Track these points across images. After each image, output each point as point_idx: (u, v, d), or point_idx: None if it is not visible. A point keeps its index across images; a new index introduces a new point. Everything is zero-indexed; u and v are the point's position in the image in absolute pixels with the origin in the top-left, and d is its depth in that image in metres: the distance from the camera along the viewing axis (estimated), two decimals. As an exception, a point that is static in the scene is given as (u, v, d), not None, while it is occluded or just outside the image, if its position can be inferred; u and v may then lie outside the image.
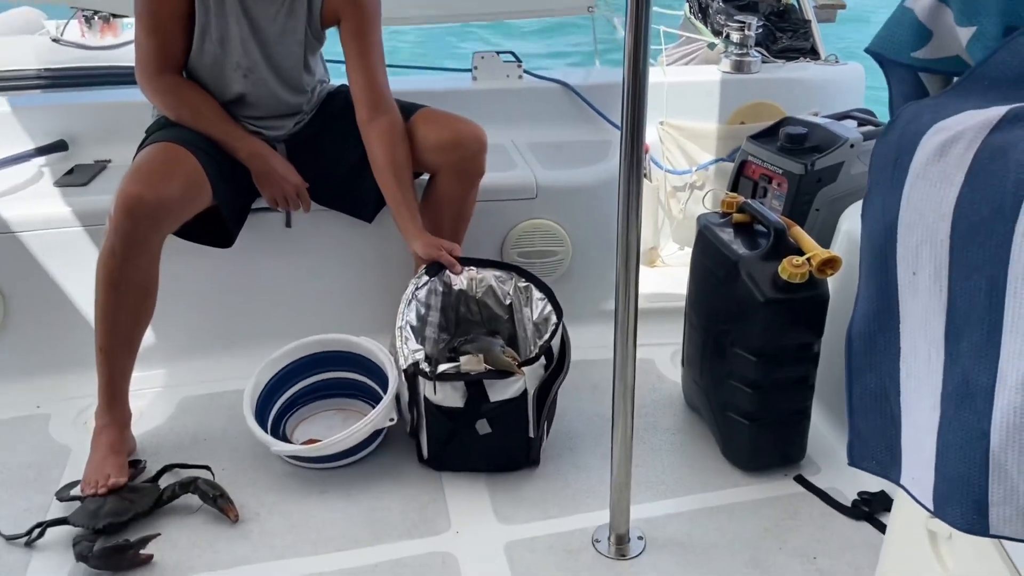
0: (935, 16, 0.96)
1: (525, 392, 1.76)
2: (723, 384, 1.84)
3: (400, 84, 2.31)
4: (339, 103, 2.21)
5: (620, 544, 1.67)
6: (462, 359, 1.75)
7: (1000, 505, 0.85)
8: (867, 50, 1.03)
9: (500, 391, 1.74)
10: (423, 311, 2.01)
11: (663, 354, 2.33)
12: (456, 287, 2.06)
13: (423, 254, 2.03)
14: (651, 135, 2.75)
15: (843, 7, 3.37)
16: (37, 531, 1.69)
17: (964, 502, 0.88)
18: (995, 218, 0.80)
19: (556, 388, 1.82)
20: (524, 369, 1.74)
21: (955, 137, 0.84)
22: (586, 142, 2.64)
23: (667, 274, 2.72)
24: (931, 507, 0.93)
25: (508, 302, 2.07)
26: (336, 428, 2.05)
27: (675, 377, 2.24)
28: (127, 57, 3.55)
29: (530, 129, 2.66)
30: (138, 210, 1.79)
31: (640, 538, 1.70)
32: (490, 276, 2.06)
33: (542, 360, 1.79)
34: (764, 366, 1.76)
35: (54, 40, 4.40)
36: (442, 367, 1.75)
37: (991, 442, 0.84)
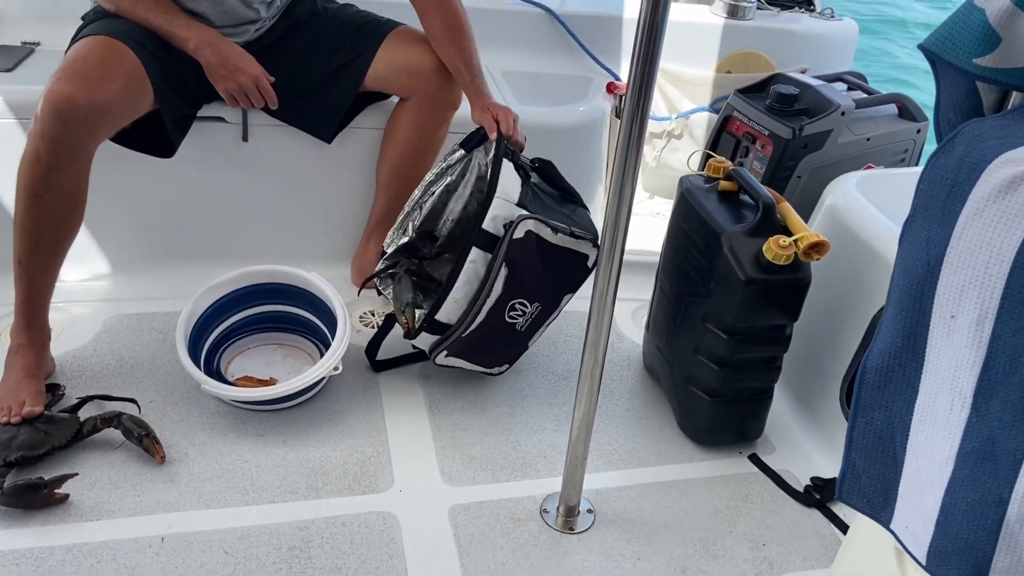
0: (1009, 22, 0.84)
1: None
2: (689, 357, 1.77)
3: (370, -5, 2.11)
4: (305, 10, 2.00)
5: (569, 516, 1.61)
6: (382, 295, 1.91)
7: (1002, 574, 0.80)
8: (921, 47, 0.91)
9: None
10: (453, 178, 1.95)
11: (624, 310, 2.24)
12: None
13: (473, 119, 1.91)
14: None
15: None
16: (-60, 459, 1.54)
17: (963, 564, 0.82)
18: None
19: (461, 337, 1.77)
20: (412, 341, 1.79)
21: None
22: (566, 77, 2.48)
23: (633, 224, 2.61)
24: (923, 561, 0.87)
25: None
26: (275, 365, 1.93)
27: (635, 336, 2.17)
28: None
29: (507, 56, 2.48)
30: (70, 113, 1.58)
31: (590, 511, 1.64)
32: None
33: (427, 336, 1.78)
34: (734, 345, 1.68)
35: None
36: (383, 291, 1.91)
37: (1008, 511, 0.78)
